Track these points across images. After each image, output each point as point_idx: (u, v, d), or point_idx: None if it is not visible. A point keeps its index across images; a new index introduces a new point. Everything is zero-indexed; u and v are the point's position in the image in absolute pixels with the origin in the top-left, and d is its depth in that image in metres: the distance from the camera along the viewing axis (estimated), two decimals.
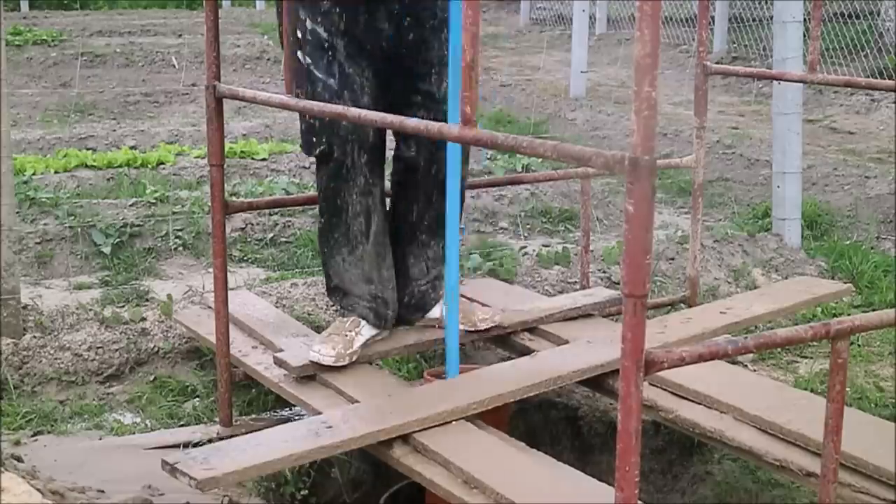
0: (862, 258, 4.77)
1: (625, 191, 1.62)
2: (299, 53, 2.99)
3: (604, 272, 4.41)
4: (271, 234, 4.89)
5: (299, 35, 2.99)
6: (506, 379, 2.90)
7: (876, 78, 7.93)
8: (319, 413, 2.87)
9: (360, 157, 3.03)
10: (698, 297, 3.85)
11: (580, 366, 2.98)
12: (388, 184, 3.28)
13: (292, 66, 2.96)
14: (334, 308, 3.69)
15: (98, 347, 3.63)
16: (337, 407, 2.84)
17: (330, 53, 2.99)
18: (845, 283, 4.14)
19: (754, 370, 3.71)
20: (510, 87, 9.13)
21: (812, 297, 3.66)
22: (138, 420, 3.32)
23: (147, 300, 4.06)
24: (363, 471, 3.23)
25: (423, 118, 2.88)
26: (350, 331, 3.11)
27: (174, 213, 4.90)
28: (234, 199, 3.90)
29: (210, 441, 3.01)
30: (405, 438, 2.62)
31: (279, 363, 3.12)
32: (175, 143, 6.66)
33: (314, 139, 3.03)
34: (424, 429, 2.61)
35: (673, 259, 4.64)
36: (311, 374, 3.06)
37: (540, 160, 5.82)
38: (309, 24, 2.98)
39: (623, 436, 1.67)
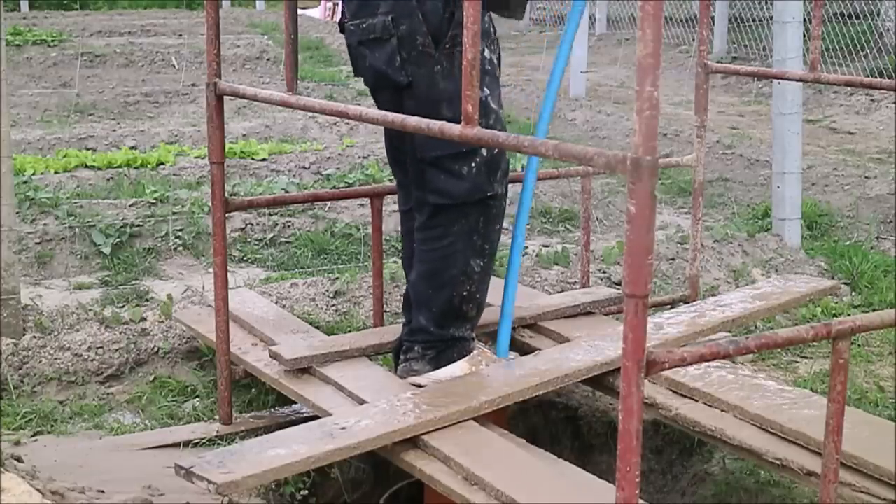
0: (862, 258, 4.76)
1: (625, 191, 1.62)
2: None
3: (604, 272, 4.41)
4: (271, 235, 4.89)
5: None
6: (513, 378, 2.89)
7: (876, 78, 7.93)
8: (320, 408, 2.88)
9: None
10: (698, 297, 3.84)
11: (587, 364, 2.98)
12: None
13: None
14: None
15: (98, 347, 3.63)
16: (345, 406, 2.84)
17: (499, 82, 2.92)
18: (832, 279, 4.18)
19: (755, 370, 3.71)
20: (510, 87, 9.12)
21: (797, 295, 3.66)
22: (138, 420, 3.32)
23: (147, 300, 4.05)
24: (363, 471, 3.22)
25: None
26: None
27: (174, 213, 4.90)
28: (234, 197, 3.90)
29: (210, 440, 3.02)
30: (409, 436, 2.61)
31: (273, 356, 3.13)
32: (175, 144, 6.66)
33: (495, 175, 2.93)
34: (438, 429, 2.61)
35: (673, 259, 4.63)
36: (305, 366, 3.08)
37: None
38: (487, 53, 2.85)
39: (624, 436, 1.66)
